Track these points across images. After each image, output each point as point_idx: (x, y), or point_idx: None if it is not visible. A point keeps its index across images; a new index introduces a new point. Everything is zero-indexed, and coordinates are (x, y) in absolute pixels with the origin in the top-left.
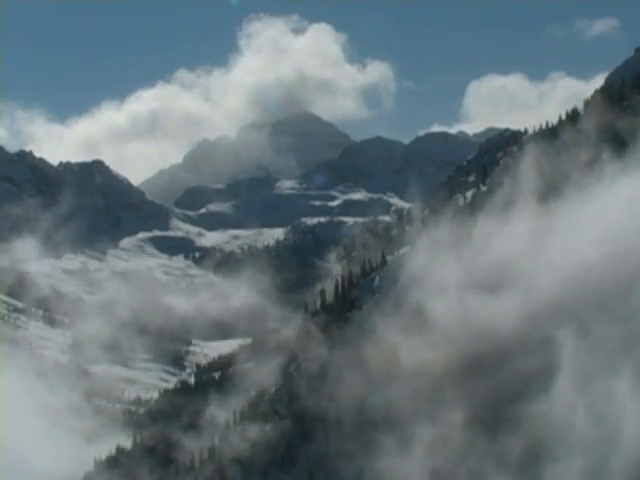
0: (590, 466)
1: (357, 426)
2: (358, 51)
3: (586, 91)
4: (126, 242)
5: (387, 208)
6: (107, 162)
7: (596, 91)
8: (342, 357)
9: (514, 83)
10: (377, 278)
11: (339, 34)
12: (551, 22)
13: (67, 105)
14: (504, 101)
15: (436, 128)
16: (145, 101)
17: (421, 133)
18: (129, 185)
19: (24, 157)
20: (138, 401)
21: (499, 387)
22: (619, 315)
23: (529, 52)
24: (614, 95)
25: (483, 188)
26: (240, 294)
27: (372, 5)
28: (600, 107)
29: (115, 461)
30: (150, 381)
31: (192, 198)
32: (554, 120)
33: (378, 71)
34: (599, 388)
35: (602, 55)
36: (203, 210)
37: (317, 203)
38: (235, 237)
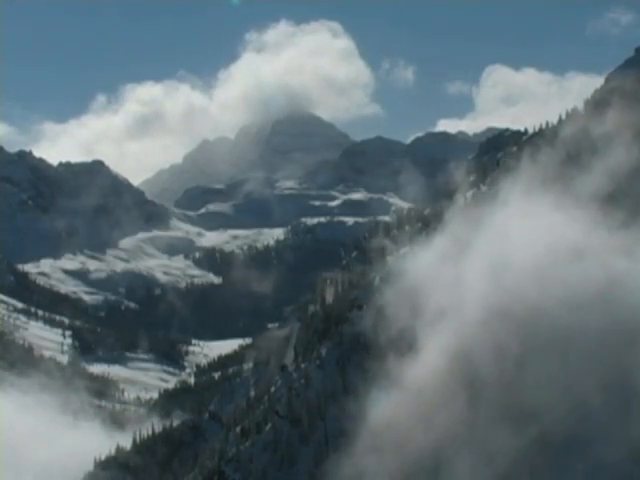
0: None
1: (358, 426)
2: (361, 50)
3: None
4: (126, 242)
5: (387, 208)
6: (107, 162)
7: (596, 90)
8: (342, 357)
9: (527, 78)
10: (377, 278)
11: (343, 33)
12: (562, 17)
13: (67, 105)
14: (516, 97)
15: (444, 125)
16: (145, 101)
17: (421, 133)
18: (129, 185)
19: (24, 157)
20: (138, 401)
21: (506, 377)
22: None
23: (542, 46)
24: (614, 94)
25: (483, 188)
26: (241, 294)
27: (377, 2)
28: (599, 106)
29: (115, 461)
30: (150, 381)
31: (192, 198)
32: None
33: (382, 70)
34: None
35: (616, 49)
36: (203, 210)
37: (317, 203)
38: (235, 237)
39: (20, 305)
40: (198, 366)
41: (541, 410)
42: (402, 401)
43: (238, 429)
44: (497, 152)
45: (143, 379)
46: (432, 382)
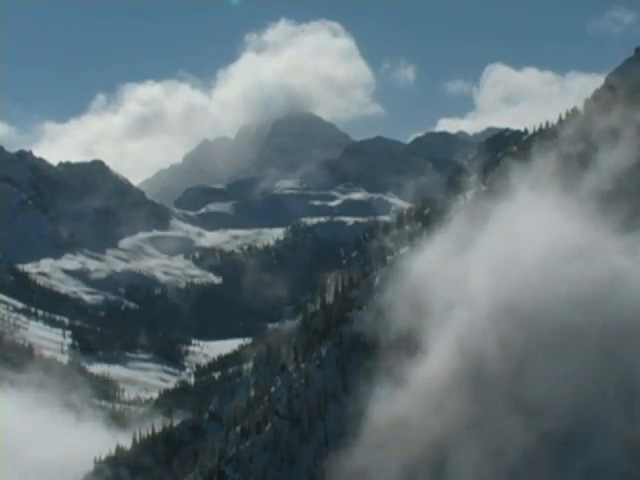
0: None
1: (358, 425)
2: (361, 50)
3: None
4: (126, 242)
5: (387, 208)
6: (107, 162)
7: (596, 90)
8: (342, 357)
9: (528, 77)
10: (377, 278)
11: (343, 32)
12: (563, 16)
13: (67, 105)
14: (517, 96)
15: (444, 125)
16: (145, 101)
17: (422, 133)
18: (129, 185)
19: (24, 157)
20: (138, 401)
21: (511, 373)
22: None
23: (543, 45)
24: (614, 94)
25: (483, 188)
26: (241, 294)
27: (377, 2)
28: (600, 106)
29: (115, 460)
30: (150, 381)
31: (192, 198)
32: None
33: (383, 70)
34: None
35: (617, 48)
36: (203, 210)
37: (317, 203)
38: (235, 237)
39: (20, 305)
40: (198, 366)
41: (544, 407)
42: (407, 398)
43: (238, 429)
44: (497, 152)
45: (143, 379)
46: (437, 379)
